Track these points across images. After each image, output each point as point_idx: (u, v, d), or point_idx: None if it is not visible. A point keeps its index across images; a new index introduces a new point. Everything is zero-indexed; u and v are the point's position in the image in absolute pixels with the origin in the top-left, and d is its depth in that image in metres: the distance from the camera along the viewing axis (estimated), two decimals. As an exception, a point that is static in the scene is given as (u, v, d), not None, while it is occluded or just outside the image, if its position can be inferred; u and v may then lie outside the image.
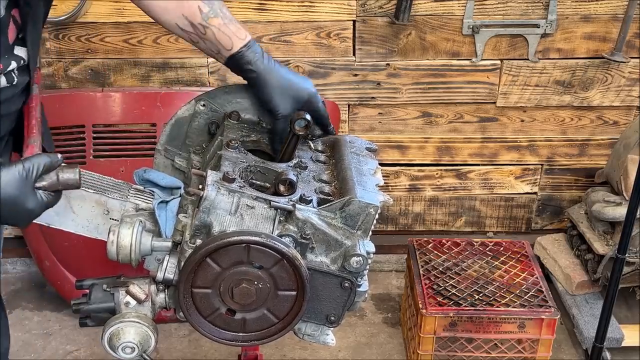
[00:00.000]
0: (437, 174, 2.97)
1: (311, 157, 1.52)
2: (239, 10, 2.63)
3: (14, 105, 1.43)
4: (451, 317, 2.32)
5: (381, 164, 1.57)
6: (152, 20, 1.51)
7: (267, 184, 1.40)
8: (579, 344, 2.65)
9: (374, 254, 1.37)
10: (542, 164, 2.96)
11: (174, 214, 1.39)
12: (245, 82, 1.55)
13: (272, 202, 1.32)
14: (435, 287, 2.43)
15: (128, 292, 1.37)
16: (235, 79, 1.55)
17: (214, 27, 1.47)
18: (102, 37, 2.66)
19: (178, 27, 1.49)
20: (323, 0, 2.63)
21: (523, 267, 2.54)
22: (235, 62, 1.50)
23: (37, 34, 1.39)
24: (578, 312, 2.65)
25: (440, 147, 2.91)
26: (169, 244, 1.36)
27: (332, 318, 1.40)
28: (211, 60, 2.67)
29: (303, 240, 1.32)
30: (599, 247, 2.62)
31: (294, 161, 1.47)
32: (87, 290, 1.41)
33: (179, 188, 1.45)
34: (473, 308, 2.34)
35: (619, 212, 2.53)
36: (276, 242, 1.27)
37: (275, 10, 2.64)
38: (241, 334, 1.37)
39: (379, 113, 2.85)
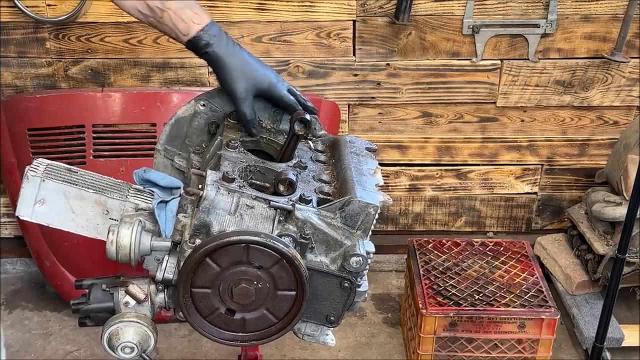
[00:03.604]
0: (437, 174, 2.97)
1: (311, 157, 1.52)
2: (239, 10, 2.63)
3: None
4: (451, 317, 2.32)
5: (381, 164, 1.57)
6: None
7: (267, 184, 1.40)
8: (579, 344, 2.65)
9: (373, 253, 1.37)
10: (542, 164, 2.96)
11: (174, 213, 1.39)
12: None
13: (271, 202, 1.32)
14: (435, 287, 2.43)
15: (127, 292, 1.37)
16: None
17: (171, 10, 1.47)
18: (102, 37, 2.66)
19: (138, 10, 1.49)
20: (323, 0, 2.63)
21: (523, 267, 2.54)
22: (193, 46, 1.50)
23: None
24: (578, 312, 2.65)
25: (440, 147, 2.91)
26: (169, 243, 1.36)
27: (332, 318, 1.40)
28: (211, 60, 2.68)
29: (302, 240, 1.32)
30: (599, 247, 2.62)
31: (294, 161, 1.47)
32: (87, 290, 1.41)
33: (179, 188, 1.46)
34: (473, 308, 2.34)
35: (619, 212, 2.53)
36: (275, 242, 1.27)
37: (275, 10, 2.64)
38: (241, 333, 1.37)
39: (379, 113, 2.85)
